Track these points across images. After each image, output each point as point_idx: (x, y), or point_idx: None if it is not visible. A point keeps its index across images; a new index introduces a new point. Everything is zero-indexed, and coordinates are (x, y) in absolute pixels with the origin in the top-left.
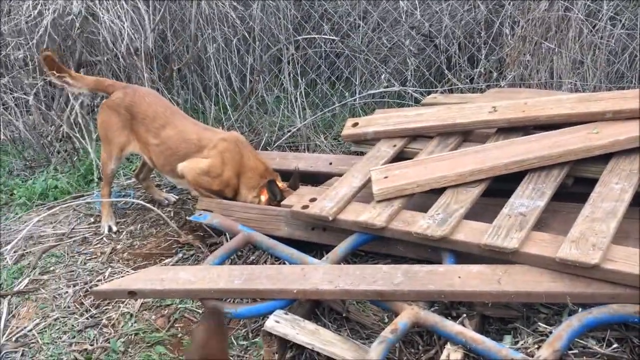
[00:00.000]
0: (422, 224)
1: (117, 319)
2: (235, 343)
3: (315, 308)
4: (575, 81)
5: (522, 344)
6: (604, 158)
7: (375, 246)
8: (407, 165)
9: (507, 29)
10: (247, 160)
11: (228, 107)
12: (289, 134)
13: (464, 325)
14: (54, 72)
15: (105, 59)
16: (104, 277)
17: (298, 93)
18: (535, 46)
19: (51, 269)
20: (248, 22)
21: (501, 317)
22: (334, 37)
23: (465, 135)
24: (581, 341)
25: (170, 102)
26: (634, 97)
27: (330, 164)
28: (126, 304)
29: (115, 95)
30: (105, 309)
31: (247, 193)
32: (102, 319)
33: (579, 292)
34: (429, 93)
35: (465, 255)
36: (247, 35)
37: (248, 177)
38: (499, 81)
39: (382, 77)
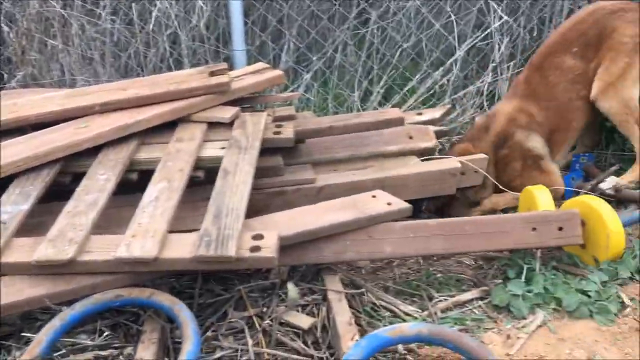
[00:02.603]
0: None
1: None
2: None
3: None
4: (88, 77)
5: None
6: (97, 151)
7: None
8: None
9: (6, 27)
10: None
11: None
12: None
13: None
14: None
15: None
16: None
17: None
18: (41, 44)
19: None
20: None
21: None
22: None
23: None
24: (70, 339)
25: None
26: (118, 89)
27: None
28: None
29: None
30: None
31: None
32: None
33: (60, 290)
34: None
35: None
36: None
37: None
38: (10, 82)
39: None
